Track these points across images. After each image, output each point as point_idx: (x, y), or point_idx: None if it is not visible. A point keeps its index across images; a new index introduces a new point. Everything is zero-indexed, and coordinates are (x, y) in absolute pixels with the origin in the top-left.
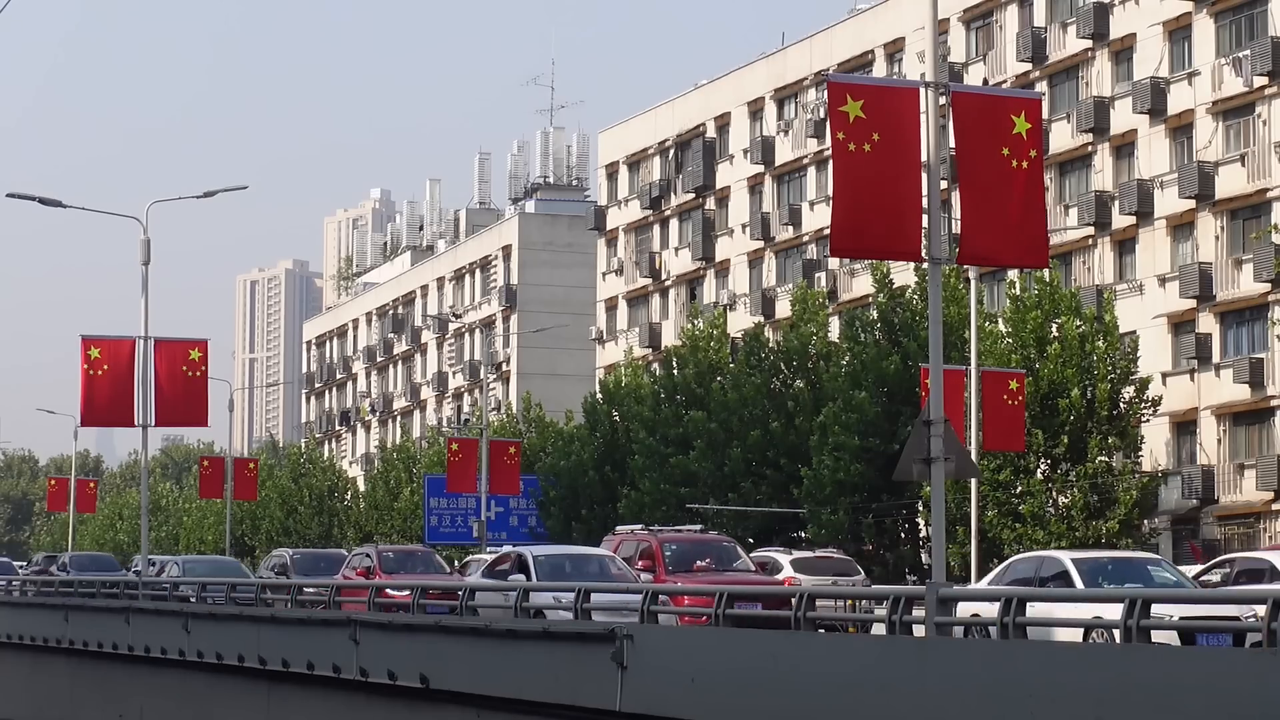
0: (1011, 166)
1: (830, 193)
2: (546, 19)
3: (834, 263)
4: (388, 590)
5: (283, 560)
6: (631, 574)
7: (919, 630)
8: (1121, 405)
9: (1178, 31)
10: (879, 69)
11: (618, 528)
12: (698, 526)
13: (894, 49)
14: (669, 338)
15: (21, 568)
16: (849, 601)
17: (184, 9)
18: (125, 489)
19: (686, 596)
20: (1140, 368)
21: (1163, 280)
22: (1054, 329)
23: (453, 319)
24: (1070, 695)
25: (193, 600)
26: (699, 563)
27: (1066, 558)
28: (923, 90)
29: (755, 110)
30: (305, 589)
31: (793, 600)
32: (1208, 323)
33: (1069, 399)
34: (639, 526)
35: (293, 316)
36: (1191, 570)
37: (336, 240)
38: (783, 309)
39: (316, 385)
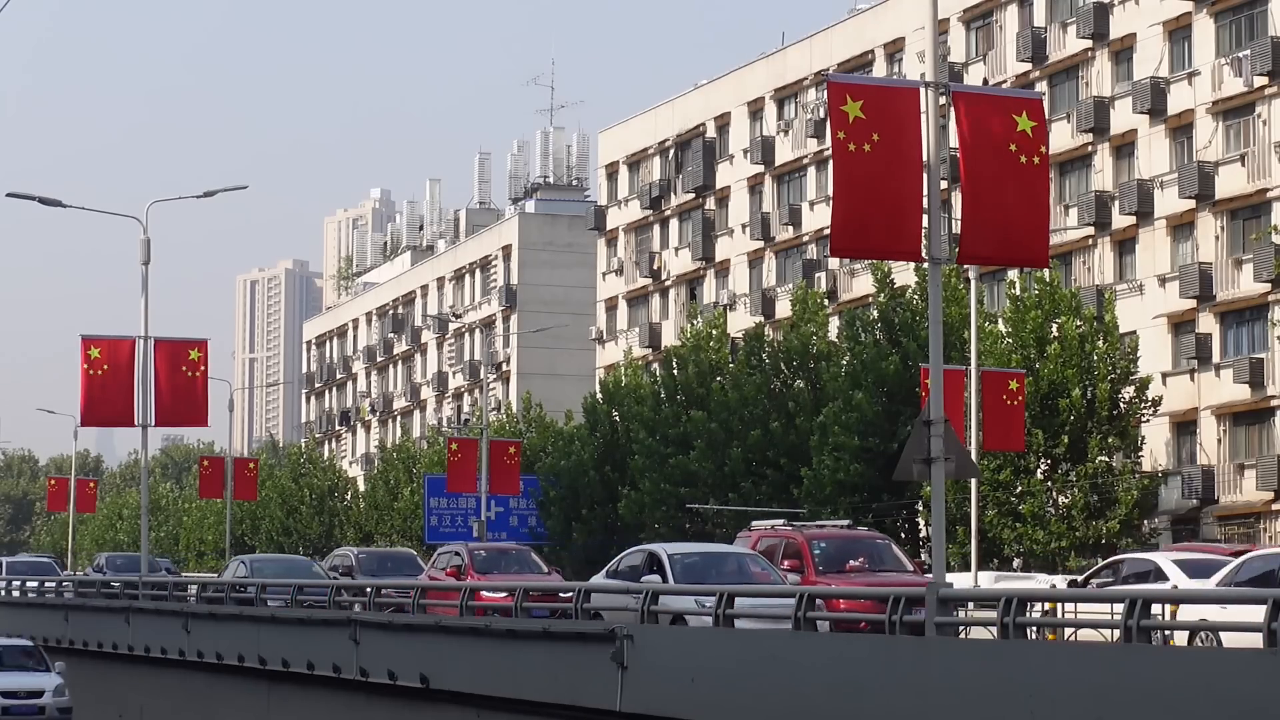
0: (1017, 165)
1: (830, 193)
2: (547, 19)
3: (834, 263)
4: (483, 593)
5: (347, 560)
6: (778, 574)
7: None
8: (1121, 405)
9: (1178, 31)
10: (879, 69)
11: (754, 523)
12: (845, 521)
13: (894, 49)
14: (669, 338)
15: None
16: None
17: (184, 8)
18: (125, 489)
19: (842, 600)
20: (1140, 368)
21: (1163, 280)
22: (1054, 329)
23: (453, 319)
24: (1070, 695)
25: (270, 604)
26: (852, 562)
27: None
28: (923, 90)
29: (755, 110)
30: (385, 591)
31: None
32: (1208, 323)
33: (1069, 399)
34: (779, 522)
35: (293, 316)
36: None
37: (336, 240)
38: (783, 309)
39: (316, 385)
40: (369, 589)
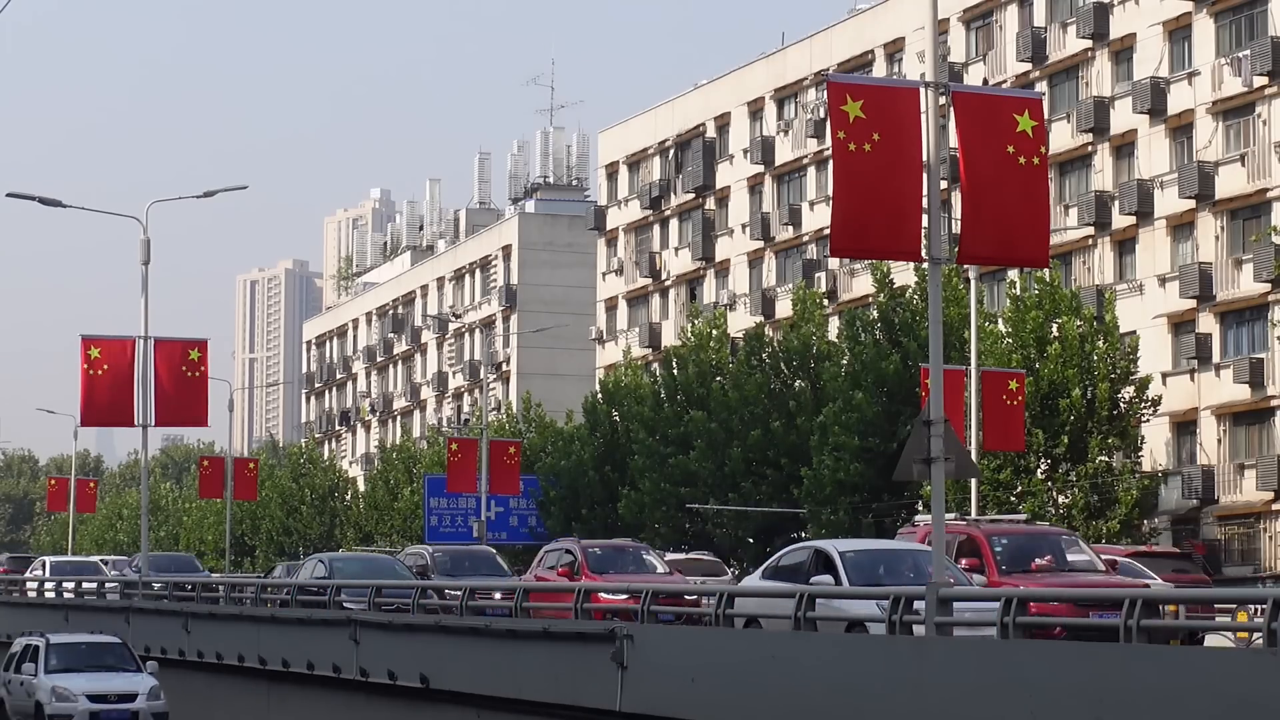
0: (1019, 164)
1: (830, 193)
2: (547, 19)
3: (834, 263)
4: (600, 594)
5: (421, 559)
6: (960, 574)
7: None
8: (1122, 405)
9: (1178, 31)
10: (879, 69)
11: (917, 518)
12: (1023, 517)
13: (894, 49)
14: (669, 338)
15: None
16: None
17: (184, 8)
18: (125, 489)
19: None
20: (1140, 368)
21: (1163, 280)
22: (1054, 329)
23: (453, 319)
24: (1069, 694)
25: (353, 607)
26: (1037, 560)
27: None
28: (923, 90)
29: (755, 110)
30: (479, 593)
31: (1126, 604)
32: (1208, 323)
33: (1069, 399)
34: (951, 516)
35: (293, 316)
36: None
37: (336, 240)
38: (783, 309)
39: (316, 385)
40: (462, 591)
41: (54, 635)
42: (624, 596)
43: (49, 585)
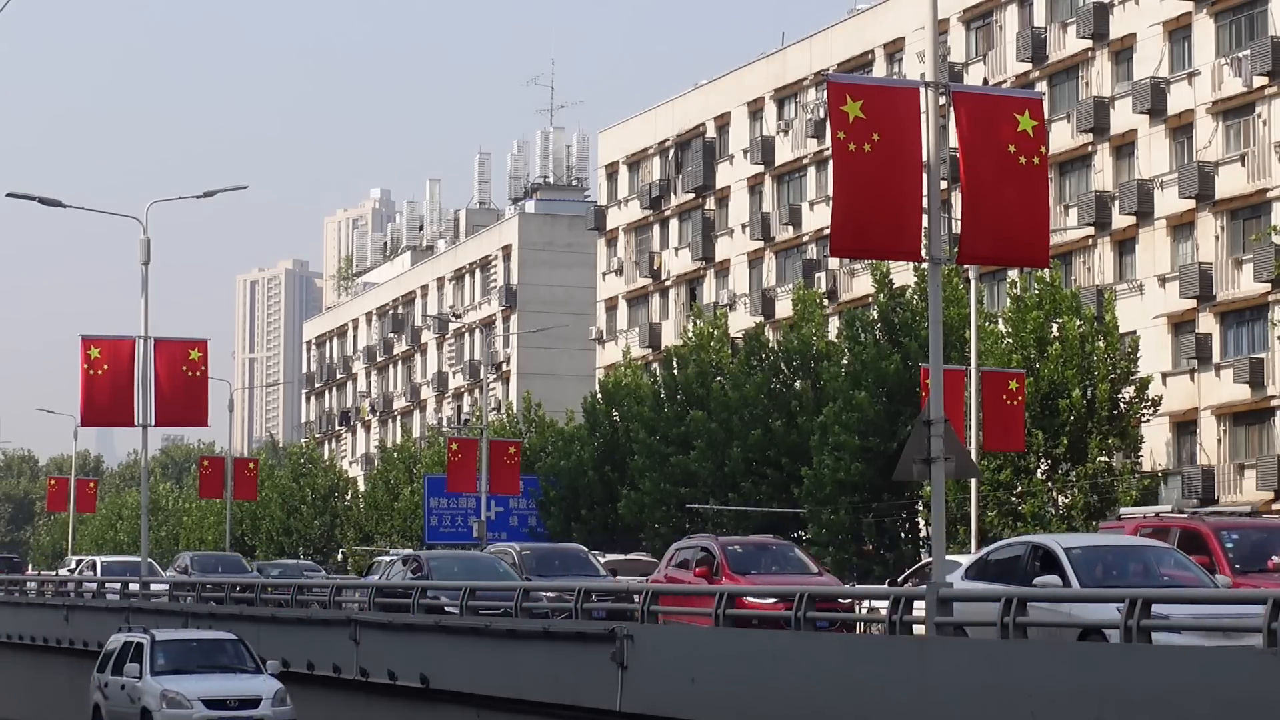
0: (1019, 164)
1: (830, 193)
2: (546, 19)
3: (834, 263)
4: (747, 599)
5: (508, 558)
6: (1200, 571)
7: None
8: (1122, 405)
9: (1178, 31)
10: (879, 69)
11: (1123, 510)
12: (1245, 509)
13: (894, 49)
14: (669, 338)
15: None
16: None
17: (184, 8)
18: (125, 489)
19: None
20: (1140, 368)
21: (1163, 280)
22: (1054, 329)
23: (453, 319)
24: (1070, 695)
25: (450, 610)
26: (1275, 558)
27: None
28: (923, 90)
29: (755, 110)
30: (597, 594)
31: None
32: (1208, 323)
33: (1069, 399)
34: (1164, 508)
35: (293, 316)
36: None
37: (336, 240)
38: (783, 309)
39: (316, 385)
40: (575, 592)
41: (160, 631)
42: (772, 600)
43: (105, 585)
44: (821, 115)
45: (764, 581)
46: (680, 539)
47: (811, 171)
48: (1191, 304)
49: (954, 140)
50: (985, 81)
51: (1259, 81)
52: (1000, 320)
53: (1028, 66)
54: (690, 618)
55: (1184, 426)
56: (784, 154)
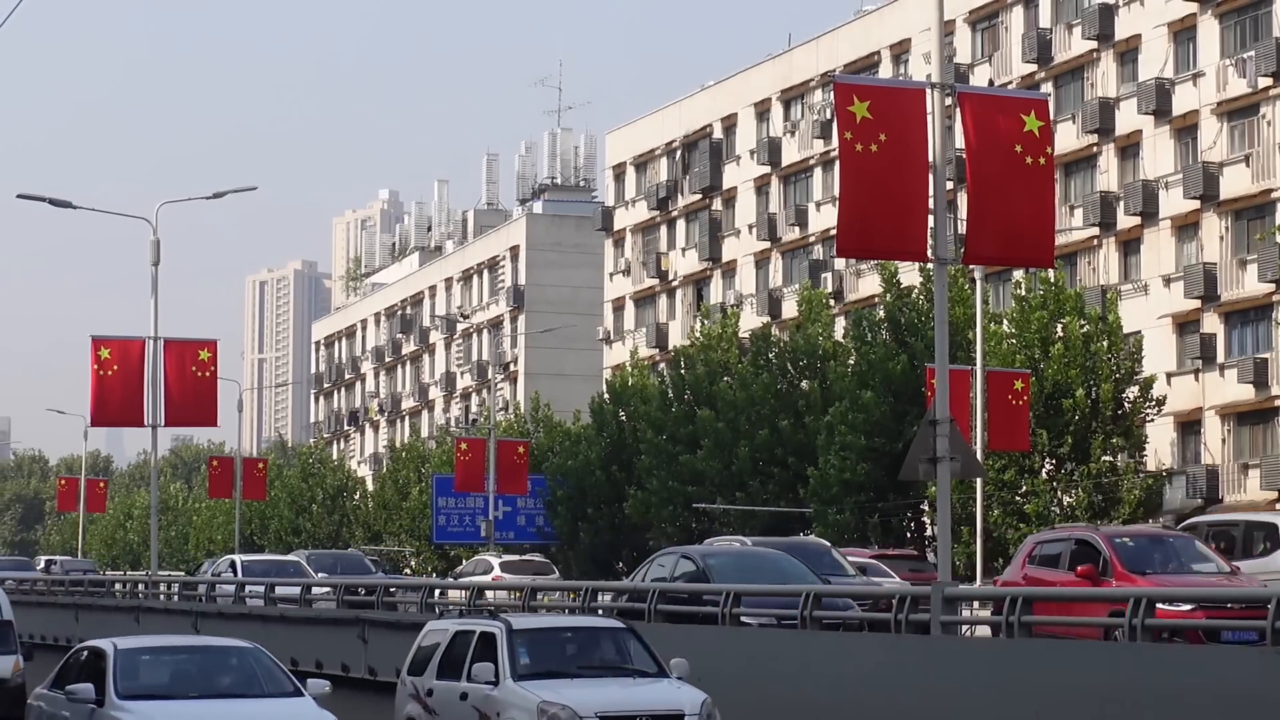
0: (1023, 165)
1: (836, 193)
2: (554, 20)
3: (840, 263)
4: (1164, 607)
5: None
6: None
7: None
8: (1126, 405)
9: (1182, 33)
10: (885, 70)
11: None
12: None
13: (900, 50)
14: (676, 338)
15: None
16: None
17: (191, 11)
18: (135, 489)
19: None
20: (1145, 368)
21: (1167, 280)
22: (1059, 329)
23: (461, 319)
24: (1075, 694)
25: (752, 622)
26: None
27: None
28: (929, 91)
29: (762, 111)
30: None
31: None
32: (1212, 323)
33: (1074, 399)
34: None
35: (301, 317)
36: None
37: (345, 241)
38: (789, 309)
39: (325, 385)
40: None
41: (515, 618)
42: (1188, 608)
43: (249, 590)
44: (828, 116)
45: (1168, 583)
46: (686, 539)
47: (818, 172)
48: (1196, 304)
49: (960, 141)
50: (991, 82)
51: (1264, 82)
52: (1005, 320)
53: (1033, 67)
54: (1066, 629)
55: (1188, 426)
56: (790, 155)
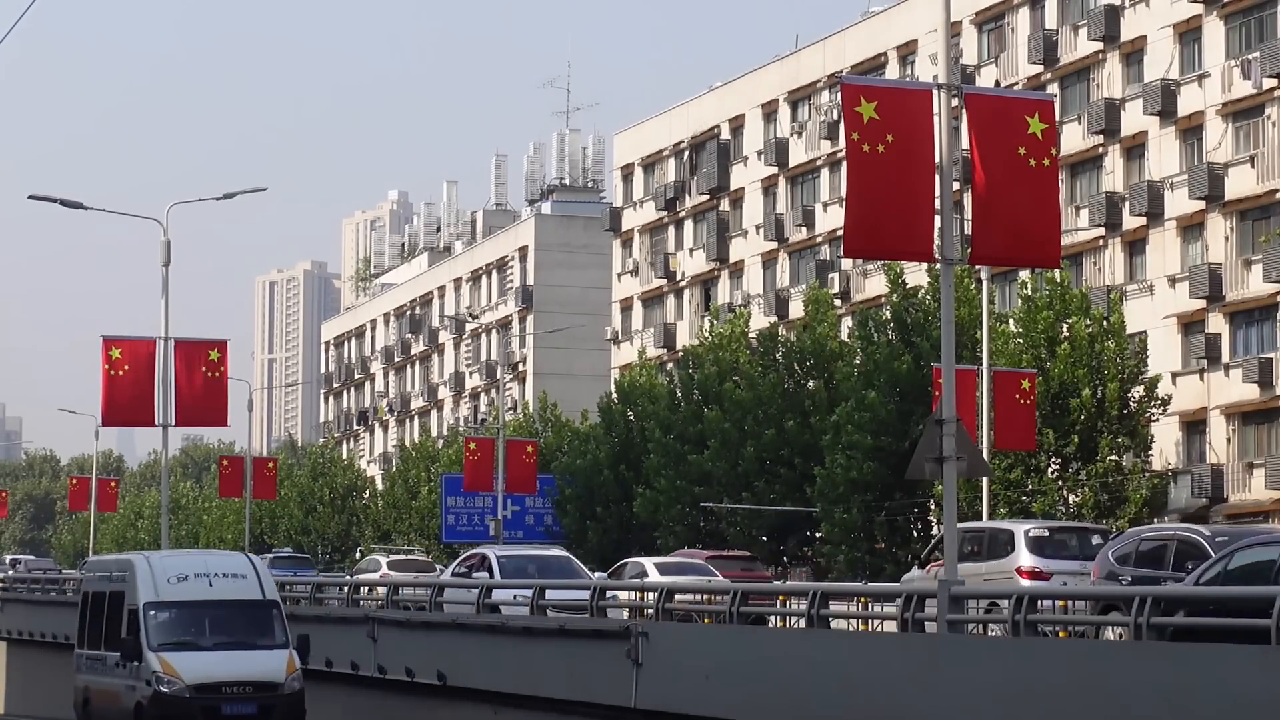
0: (1029, 166)
1: (843, 194)
2: (562, 22)
3: (847, 263)
4: None
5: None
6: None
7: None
8: (1131, 405)
9: (1188, 34)
10: (892, 71)
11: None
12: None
13: (906, 51)
14: (684, 338)
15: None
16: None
17: (202, 13)
18: (145, 488)
19: None
20: (1150, 367)
21: (1173, 281)
22: (1065, 329)
23: (469, 319)
24: (1081, 692)
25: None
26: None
27: None
28: (936, 92)
29: (769, 112)
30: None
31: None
32: (1217, 323)
33: (1079, 398)
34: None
35: (311, 317)
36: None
37: (354, 241)
38: (796, 309)
39: (335, 385)
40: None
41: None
42: None
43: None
44: (835, 117)
45: None
46: (693, 539)
47: (825, 173)
48: (1201, 304)
49: (966, 142)
50: (997, 83)
51: (1269, 83)
52: (1011, 320)
53: (1039, 69)
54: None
55: (1193, 426)
56: (798, 155)
